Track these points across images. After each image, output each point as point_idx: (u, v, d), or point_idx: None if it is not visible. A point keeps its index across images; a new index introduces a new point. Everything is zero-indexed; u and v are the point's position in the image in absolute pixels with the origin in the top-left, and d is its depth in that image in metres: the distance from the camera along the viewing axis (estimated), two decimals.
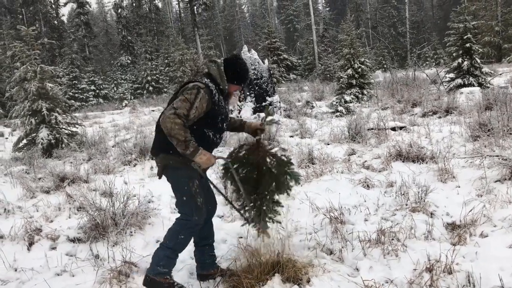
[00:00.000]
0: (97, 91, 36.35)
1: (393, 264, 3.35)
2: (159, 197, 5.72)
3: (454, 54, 14.99)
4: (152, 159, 3.17)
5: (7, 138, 15.69)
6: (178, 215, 3.29)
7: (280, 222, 3.42)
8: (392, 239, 3.69)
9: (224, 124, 3.32)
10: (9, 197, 6.02)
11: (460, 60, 14.34)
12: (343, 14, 48.32)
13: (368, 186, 5.29)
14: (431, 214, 4.17)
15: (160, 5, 53.03)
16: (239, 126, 3.63)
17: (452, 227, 3.88)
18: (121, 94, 27.40)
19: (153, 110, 21.54)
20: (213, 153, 3.19)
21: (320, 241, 3.84)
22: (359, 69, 15.13)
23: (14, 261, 4.07)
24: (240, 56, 3.44)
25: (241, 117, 12.47)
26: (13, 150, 10.50)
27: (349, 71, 15.11)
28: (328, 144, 8.16)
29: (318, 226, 4.23)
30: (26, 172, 7.98)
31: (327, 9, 63.30)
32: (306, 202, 4.89)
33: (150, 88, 36.69)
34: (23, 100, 10.65)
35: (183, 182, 3.14)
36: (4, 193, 6.08)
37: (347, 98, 13.44)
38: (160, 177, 3.30)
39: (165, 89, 36.43)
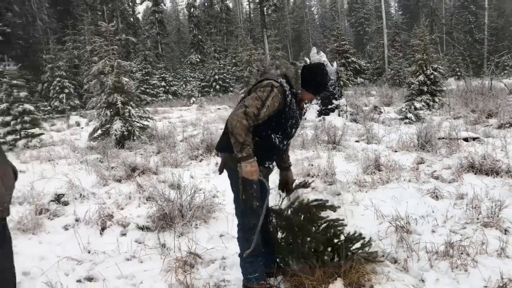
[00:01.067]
0: (167, 87, 37.54)
1: (462, 279, 3.23)
2: (224, 193, 5.83)
3: None
4: (217, 155, 3.22)
5: (82, 128, 16.60)
6: None
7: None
8: (461, 253, 3.55)
9: (294, 130, 3.25)
10: (84, 184, 6.39)
11: None
12: (416, 18, 46.88)
13: (436, 196, 5.11)
14: (505, 230, 3.97)
15: (231, 5, 53.95)
16: (284, 167, 3.54)
17: None
18: (189, 91, 28.03)
19: (219, 108, 21.95)
20: (274, 161, 3.23)
21: (385, 249, 3.77)
22: (431, 76, 14.60)
23: (88, 243, 4.34)
24: (325, 66, 3.30)
25: (305, 118, 12.44)
26: (88, 140, 11.09)
27: (421, 77, 14.61)
28: (396, 151, 7.96)
29: (382, 234, 4.15)
30: (100, 160, 8.42)
31: (400, 12, 61.60)
32: (370, 209, 4.81)
33: (217, 86, 37.41)
34: (100, 93, 11.24)
35: (268, 188, 3.13)
36: (80, 179, 6.45)
37: (417, 105, 13.02)
38: (220, 173, 3.33)
39: (231, 88, 37.01)
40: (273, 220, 3.54)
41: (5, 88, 11.72)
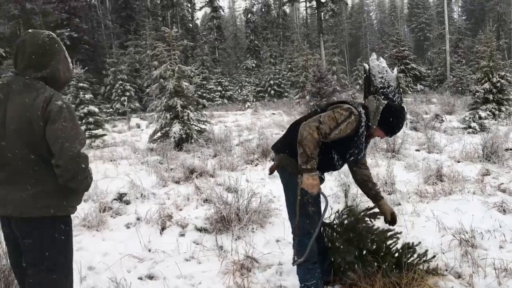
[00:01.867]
0: (223, 92, 38.11)
1: None
2: (279, 198, 5.81)
3: None
4: (272, 160, 3.25)
5: (143, 130, 17.18)
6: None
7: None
8: None
9: (352, 158, 3.24)
10: (145, 184, 6.59)
11: None
12: (481, 23, 44.98)
13: (504, 210, 4.86)
14: None
15: (288, 10, 54.10)
16: (372, 195, 3.50)
17: None
18: (245, 96, 28.40)
19: (273, 113, 22.01)
20: (326, 175, 3.24)
21: (448, 262, 3.62)
22: (498, 84, 13.93)
23: (149, 242, 4.47)
24: (404, 109, 3.29)
25: None
26: (149, 141, 11.45)
27: (486, 85, 13.97)
28: (459, 162, 7.64)
29: (445, 247, 3.99)
30: (159, 162, 8.66)
31: (463, 17, 59.35)
32: (432, 221, 4.65)
33: (272, 91, 37.52)
34: (160, 96, 11.59)
35: (296, 189, 3.06)
36: (141, 180, 6.66)
37: (482, 114, 12.46)
38: (270, 173, 3.32)
39: (286, 94, 37.01)
40: (329, 232, 3.54)
41: (71, 90, 12.36)
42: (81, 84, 12.45)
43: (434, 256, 3.40)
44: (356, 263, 3.32)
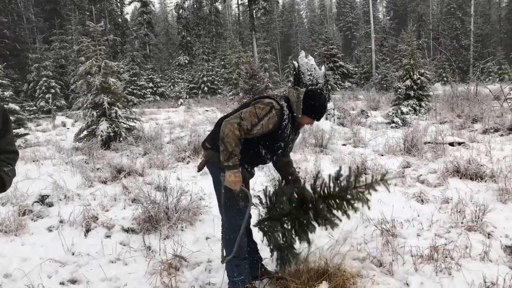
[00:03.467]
0: (155, 88, 37.37)
1: (446, 282, 3.25)
2: (210, 195, 5.79)
3: None
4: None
5: (68, 129, 16.47)
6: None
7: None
8: (446, 257, 3.58)
9: (280, 151, 3.24)
10: (69, 185, 6.32)
11: None
12: (404, 23, 47.39)
13: (422, 200, 5.15)
14: (489, 234, 4.01)
15: (220, 7, 53.98)
16: (292, 181, 3.47)
17: (511, 249, 3.72)
18: (177, 93, 27.98)
19: (207, 110, 21.91)
20: (256, 168, 3.29)
21: (370, 252, 3.78)
22: (418, 81, 14.73)
23: (72, 245, 4.29)
24: (323, 92, 3.39)
25: None
26: (74, 140, 10.98)
27: (408, 82, 14.74)
28: (382, 155, 8.00)
29: (368, 237, 4.16)
30: (85, 162, 8.33)
31: (388, 17, 62.17)
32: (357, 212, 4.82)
33: (206, 88, 37.33)
34: (86, 93, 11.13)
35: (249, 197, 3.07)
36: (65, 180, 6.38)
37: (404, 109, 13.14)
38: (199, 170, 3.31)
39: (220, 90, 36.98)
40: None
41: None
42: (0, 81, 11.70)
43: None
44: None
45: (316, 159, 7.00)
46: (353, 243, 4.01)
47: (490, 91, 16.73)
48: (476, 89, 16.75)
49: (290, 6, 69.17)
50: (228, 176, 2.90)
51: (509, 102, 14.16)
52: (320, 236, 4.23)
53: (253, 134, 2.95)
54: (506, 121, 10.09)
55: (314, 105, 3.16)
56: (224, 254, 3.20)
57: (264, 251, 3.80)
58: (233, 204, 3.08)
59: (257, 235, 3.59)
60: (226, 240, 3.20)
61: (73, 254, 4.12)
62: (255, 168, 3.42)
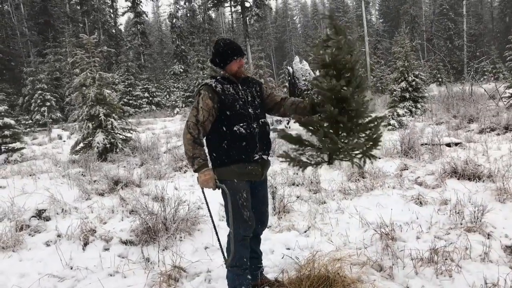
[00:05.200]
0: (150, 98, 37.33)
1: (447, 285, 3.23)
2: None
3: None
4: None
5: (64, 141, 16.44)
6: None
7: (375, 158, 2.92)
8: (446, 259, 3.56)
9: (250, 109, 3.07)
10: (66, 198, 6.29)
11: None
12: (397, 26, 47.53)
13: (421, 203, 5.14)
14: (488, 235, 4.00)
15: (213, 15, 54.12)
16: (303, 105, 3.15)
17: (511, 250, 3.71)
18: (173, 102, 28.04)
19: None
20: (258, 148, 3.04)
21: (370, 257, 3.76)
22: (413, 82, 14.78)
23: (70, 259, 4.25)
24: (220, 37, 3.29)
25: (289, 127, 12.46)
26: (71, 153, 10.96)
27: (403, 84, 14.79)
28: (380, 158, 8.00)
29: (368, 241, 4.15)
30: (82, 174, 8.30)
31: (381, 20, 62.41)
32: (355, 217, 4.82)
33: None
34: (82, 105, 11.12)
35: (230, 195, 3.06)
36: (62, 194, 6.36)
37: (400, 111, 13.16)
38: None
39: None
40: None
41: None
42: None
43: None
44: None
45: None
46: (353, 248, 3.99)
47: (485, 90, 16.78)
48: (471, 89, 16.79)
49: (283, 12, 69.48)
50: (199, 177, 2.98)
51: (504, 101, 14.21)
52: (320, 242, 4.23)
53: (204, 122, 2.97)
54: (502, 120, 10.11)
55: (221, 52, 3.08)
56: (229, 263, 3.15)
57: (265, 259, 3.79)
58: (239, 214, 3.05)
59: (263, 246, 3.58)
60: (227, 249, 3.19)
61: (71, 269, 4.08)
62: (266, 156, 3.17)
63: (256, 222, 3.20)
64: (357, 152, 2.85)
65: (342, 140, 2.83)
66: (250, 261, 3.32)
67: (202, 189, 3.13)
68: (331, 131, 2.76)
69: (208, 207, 3.31)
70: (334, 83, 2.71)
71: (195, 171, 2.97)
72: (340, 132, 2.84)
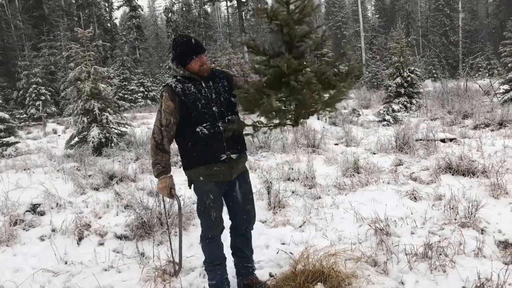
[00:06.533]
0: (146, 92, 37.27)
1: (441, 280, 3.25)
2: None
3: (509, 65, 14.42)
4: None
5: (59, 136, 16.35)
6: None
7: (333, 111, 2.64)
8: (440, 254, 3.58)
9: (214, 108, 2.94)
10: (61, 192, 6.26)
11: None
12: (393, 21, 47.56)
13: (415, 198, 5.16)
14: (482, 230, 4.02)
15: (209, 10, 53.92)
16: None
17: (504, 245, 3.73)
18: None
19: None
20: (225, 147, 2.93)
21: (365, 252, 3.77)
22: (408, 78, 14.82)
23: (65, 254, 4.25)
24: (178, 34, 3.11)
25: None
26: (65, 147, 10.90)
27: (398, 80, 14.82)
28: (375, 154, 8.02)
29: (362, 236, 4.16)
30: (77, 169, 8.26)
31: (377, 16, 62.44)
32: (350, 212, 4.82)
33: None
34: (77, 99, 11.05)
35: (198, 196, 3.10)
36: (57, 188, 6.33)
37: (395, 107, 13.19)
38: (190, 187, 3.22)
39: None
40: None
41: None
42: None
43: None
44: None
45: (309, 159, 7.00)
46: (347, 243, 4.00)
47: (480, 86, 16.86)
48: (466, 84, 16.84)
49: None
50: (158, 184, 3.01)
51: (499, 97, 14.27)
52: (315, 237, 4.24)
53: (169, 124, 2.92)
54: (496, 116, 10.15)
55: (180, 48, 2.94)
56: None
57: (259, 254, 3.80)
58: (207, 215, 3.06)
59: (255, 242, 3.58)
60: (201, 246, 3.31)
61: (66, 263, 4.08)
62: (235, 155, 3.02)
63: (240, 221, 3.24)
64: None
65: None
66: (238, 260, 3.38)
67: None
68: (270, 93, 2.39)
69: (180, 210, 3.38)
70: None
71: (155, 176, 2.98)
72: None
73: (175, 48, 2.96)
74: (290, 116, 2.56)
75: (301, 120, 2.57)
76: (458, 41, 43.84)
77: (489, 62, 34.69)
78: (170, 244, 3.55)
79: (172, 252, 3.49)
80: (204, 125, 2.91)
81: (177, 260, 3.48)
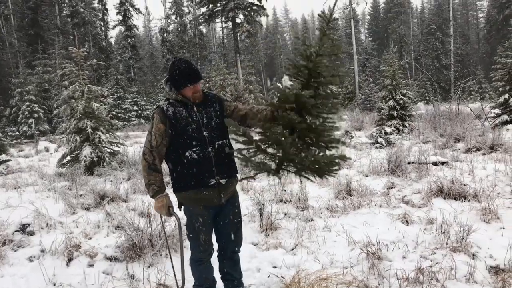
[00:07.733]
0: (140, 111, 37.33)
1: None
2: None
3: (500, 89, 14.57)
4: None
5: (51, 154, 16.25)
6: None
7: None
8: (431, 279, 3.57)
9: (205, 132, 2.95)
10: (51, 212, 6.19)
11: (507, 96, 13.92)
12: (386, 44, 48.21)
13: (407, 222, 5.16)
14: (473, 255, 4.02)
15: (204, 30, 54.43)
16: (265, 112, 3.13)
17: (495, 270, 3.73)
18: None
19: None
20: (214, 172, 2.95)
21: (356, 276, 3.76)
22: (401, 101, 14.95)
23: (54, 275, 4.18)
24: (177, 58, 3.11)
25: None
26: (57, 166, 10.83)
27: (391, 102, 14.95)
28: (367, 176, 8.04)
29: (354, 260, 4.14)
30: (68, 188, 8.19)
31: (370, 39, 63.29)
32: (342, 235, 4.81)
33: None
34: (70, 118, 11.03)
35: (187, 218, 3.13)
36: (47, 208, 6.26)
37: (388, 129, 13.27)
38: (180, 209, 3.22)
39: None
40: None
41: None
42: None
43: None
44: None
45: (301, 181, 6.99)
46: (339, 267, 3.98)
47: (471, 110, 17.03)
48: (458, 108, 17.02)
49: (274, 29, 70.12)
50: (154, 203, 3.01)
51: (490, 121, 14.42)
52: (307, 261, 4.22)
53: (156, 146, 2.92)
54: (487, 139, 10.23)
55: (177, 74, 2.94)
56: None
57: (251, 277, 3.77)
58: (196, 237, 3.10)
59: (246, 265, 3.55)
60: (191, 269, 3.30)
61: (54, 285, 4.02)
62: (224, 179, 3.03)
63: (227, 244, 3.25)
64: (312, 167, 2.95)
65: (295, 150, 2.89)
66: (227, 284, 3.38)
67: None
68: (283, 138, 2.80)
69: (180, 229, 3.28)
70: (299, 90, 2.87)
71: (151, 196, 2.97)
72: (298, 145, 2.93)
73: (173, 72, 2.97)
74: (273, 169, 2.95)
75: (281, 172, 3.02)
76: (450, 64, 44.44)
77: (481, 86, 35.20)
78: (171, 260, 3.52)
79: (173, 269, 3.41)
80: (194, 149, 2.91)
81: (178, 277, 3.41)
